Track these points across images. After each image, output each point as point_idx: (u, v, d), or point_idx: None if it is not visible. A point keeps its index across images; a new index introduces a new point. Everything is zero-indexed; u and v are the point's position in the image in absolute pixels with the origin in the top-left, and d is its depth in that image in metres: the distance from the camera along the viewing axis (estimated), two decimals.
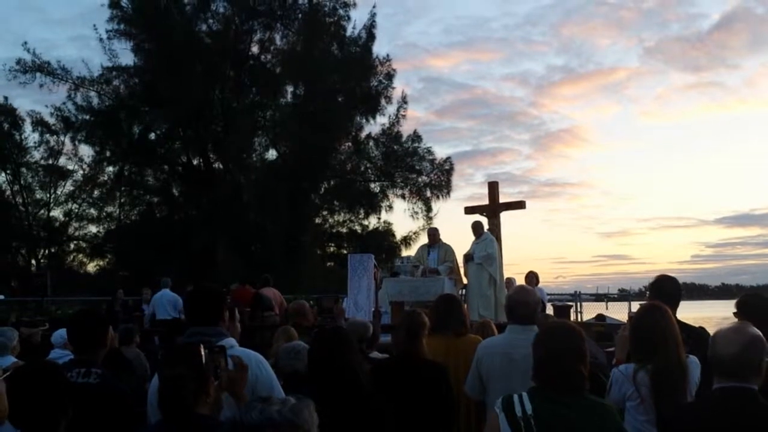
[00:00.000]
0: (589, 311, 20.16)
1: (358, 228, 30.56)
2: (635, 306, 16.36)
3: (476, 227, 11.72)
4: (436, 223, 28.44)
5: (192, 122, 27.36)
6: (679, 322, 4.36)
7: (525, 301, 4.23)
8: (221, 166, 29.90)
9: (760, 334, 2.83)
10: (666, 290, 4.51)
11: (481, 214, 12.98)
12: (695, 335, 4.43)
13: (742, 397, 2.71)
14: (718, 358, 2.78)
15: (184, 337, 3.34)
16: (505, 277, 11.93)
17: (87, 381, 3.39)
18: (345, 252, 27.39)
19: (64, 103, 27.98)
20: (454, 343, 4.79)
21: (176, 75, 25.56)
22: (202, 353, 2.63)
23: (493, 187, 13.49)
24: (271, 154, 30.06)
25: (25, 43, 27.19)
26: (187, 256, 24.44)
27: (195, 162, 30.42)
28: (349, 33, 29.39)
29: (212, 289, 3.50)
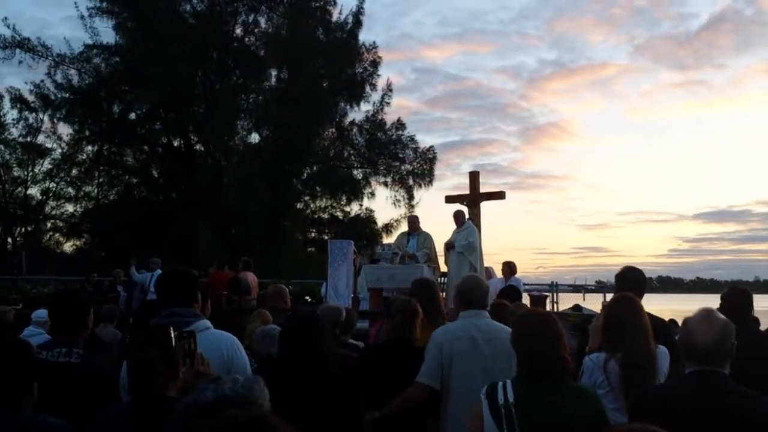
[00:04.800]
0: (567, 302, 20.29)
1: (339, 214, 30.60)
2: (610, 297, 16.46)
3: (458, 216, 11.76)
4: (418, 212, 28.61)
5: (173, 103, 27.10)
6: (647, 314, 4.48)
7: (476, 288, 4.29)
8: (202, 149, 29.74)
9: (727, 319, 2.90)
10: (631, 281, 4.61)
11: (462, 204, 12.99)
12: (660, 327, 4.51)
13: (715, 380, 2.78)
14: (693, 344, 2.84)
15: (160, 317, 3.34)
16: (484, 266, 11.99)
17: (69, 360, 3.39)
18: (326, 238, 27.36)
19: (43, 81, 27.70)
20: (431, 331, 4.79)
21: (158, 55, 25.33)
22: (172, 336, 2.61)
23: (474, 177, 13.51)
24: (254, 137, 30.02)
25: (5, 18, 26.68)
26: (166, 239, 24.27)
27: (176, 143, 30.23)
28: (335, 18, 29.35)
29: (185, 271, 3.51)
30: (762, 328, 5.56)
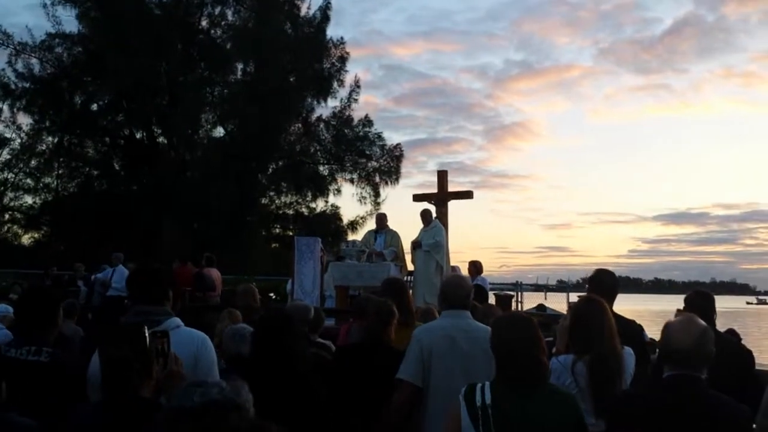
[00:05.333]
0: (529, 301, 20.51)
1: (305, 210, 30.36)
2: (573, 297, 16.72)
3: (425, 215, 11.78)
4: (384, 209, 28.45)
5: (136, 95, 26.63)
6: (615, 315, 4.46)
7: (458, 288, 4.28)
8: (165, 141, 29.34)
9: (707, 325, 2.96)
10: (605, 284, 4.67)
11: (430, 202, 13.04)
12: (629, 328, 4.57)
13: (692, 385, 2.81)
14: (673, 349, 2.88)
15: (130, 315, 3.28)
16: (450, 266, 12.03)
17: (38, 359, 3.33)
18: (291, 234, 27.24)
19: (3, 70, 27.00)
20: (403, 332, 4.78)
21: (122, 45, 24.87)
22: (146, 335, 2.57)
23: (442, 176, 13.56)
24: (219, 131, 29.67)
25: None
26: (127, 233, 23.92)
27: (138, 136, 29.75)
28: (303, 13, 29.17)
29: (158, 267, 3.45)
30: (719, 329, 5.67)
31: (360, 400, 4.02)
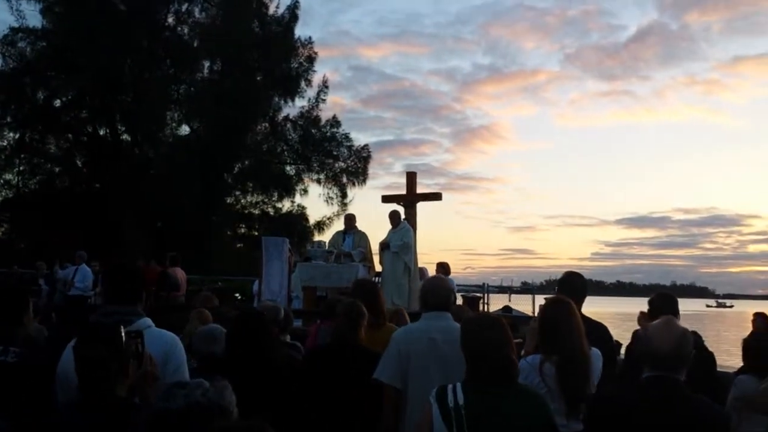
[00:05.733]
0: (495, 303, 20.64)
1: (271, 210, 30.21)
2: (539, 299, 16.89)
3: (394, 216, 11.78)
4: (350, 210, 28.43)
5: (100, 91, 26.27)
6: (583, 317, 4.50)
7: (440, 289, 4.29)
8: (129, 139, 28.95)
9: (686, 328, 3.01)
10: (575, 286, 4.72)
11: (398, 204, 13.05)
12: (597, 330, 4.62)
13: (671, 386, 2.84)
14: (653, 351, 2.90)
15: (99, 315, 3.24)
16: (418, 267, 12.05)
17: (5, 359, 3.29)
18: (256, 234, 27.06)
19: None
20: (374, 333, 4.78)
21: (86, 41, 24.49)
22: (123, 335, 2.54)
23: (411, 177, 13.59)
24: (184, 129, 29.40)
25: None
26: (90, 230, 23.54)
27: (101, 132, 29.30)
28: (271, 12, 29.00)
29: (134, 267, 3.41)
30: None
31: (332, 402, 4.00)
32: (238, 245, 29.85)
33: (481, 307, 15.62)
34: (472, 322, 3.21)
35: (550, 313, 3.85)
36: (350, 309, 4.46)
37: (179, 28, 29.05)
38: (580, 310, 4.69)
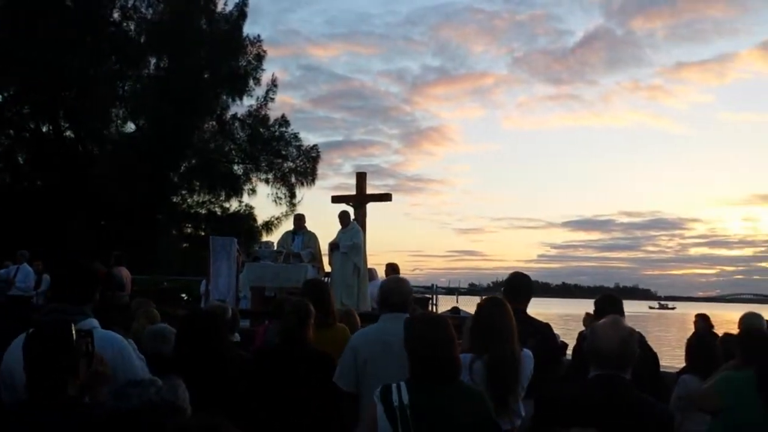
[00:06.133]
0: (443, 304, 20.80)
1: (218, 210, 29.82)
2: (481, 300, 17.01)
3: (343, 217, 11.79)
4: (299, 210, 28.30)
5: (43, 87, 25.60)
6: (528, 318, 4.64)
7: (398, 290, 4.29)
8: (73, 136, 28.30)
9: (632, 328, 3.07)
10: (520, 287, 4.80)
11: (348, 204, 13.06)
12: (541, 330, 4.72)
13: (617, 385, 2.89)
14: (599, 350, 2.95)
15: (43, 313, 3.17)
16: (368, 268, 12.06)
17: None
18: (203, 233, 26.74)
19: None
20: (324, 334, 4.76)
21: (29, 35, 23.86)
22: (73, 333, 2.48)
23: (361, 178, 13.60)
24: (130, 126, 28.84)
25: None
26: (32, 229, 22.92)
27: (44, 129, 28.57)
28: (219, 9, 28.65)
29: (85, 266, 3.32)
30: None
31: (281, 402, 3.99)
32: (185, 245, 29.43)
33: (429, 308, 15.73)
34: (415, 322, 3.22)
35: (485, 312, 3.90)
36: (298, 308, 4.44)
37: (125, 24, 28.50)
38: (525, 310, 4.77)
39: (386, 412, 2.87)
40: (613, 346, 2.92)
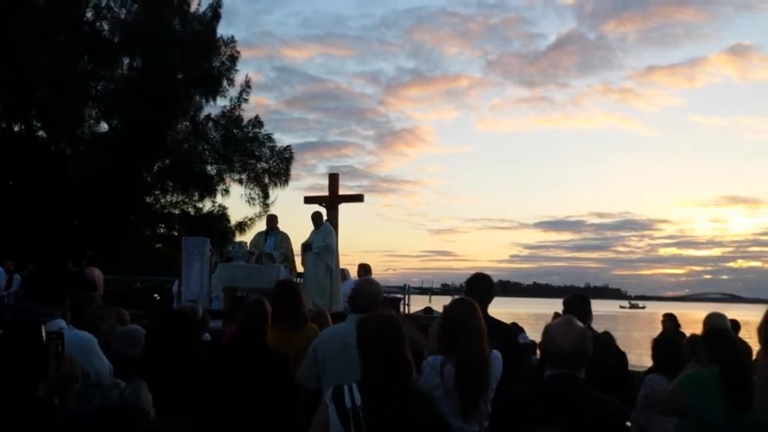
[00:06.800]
0: (415, 304, 20.88)
1: (191, 210, 29.63)
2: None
3: (316, 217, 11.85)
4: (273, 211, 28.18)
5: (15, 86, 25.27)
6: (491, 319, 4.62)
7: (367, 292, 4.38)
8: (45, 135, 27.93)
9: (585, 327, 3.14)
10: (480, 287, 4.80)
11: (321, 205, 13.14)
12: (504, 331, 4.75)
13: (571, 383, 2.93)
14: (555, 349, 2.98)
15: (11, 313, 3.20)
16: (340, 268, 12.15)
17: None
18: (176, 234, 26.57)
19: None
20: (294, 335, 4.85)
21: (0, 34, 23.54)
22: (43, 333, 2.53)
23: (333, 179, 13.69)
24: (103, 126, 28.53)
25: None
26: (4, 229, 22.65)
27: (16, 128, 28.18)
28: (193, 9, 28.48)
29: (59, 267, 3.36)
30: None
31: (237, 400, 4.05)
32: (157, 245, 29.24)
33: (402, 308, 15.84)
34: (366, 322, 3.24)
35: (453, 314, 3.89)
36: (253, 309, 4.47)
37: (98, 24, 28.18)
38: (485, 311, 4.82)
39: (338, 413, 2.87)
40: (569, 346, 2.93)
